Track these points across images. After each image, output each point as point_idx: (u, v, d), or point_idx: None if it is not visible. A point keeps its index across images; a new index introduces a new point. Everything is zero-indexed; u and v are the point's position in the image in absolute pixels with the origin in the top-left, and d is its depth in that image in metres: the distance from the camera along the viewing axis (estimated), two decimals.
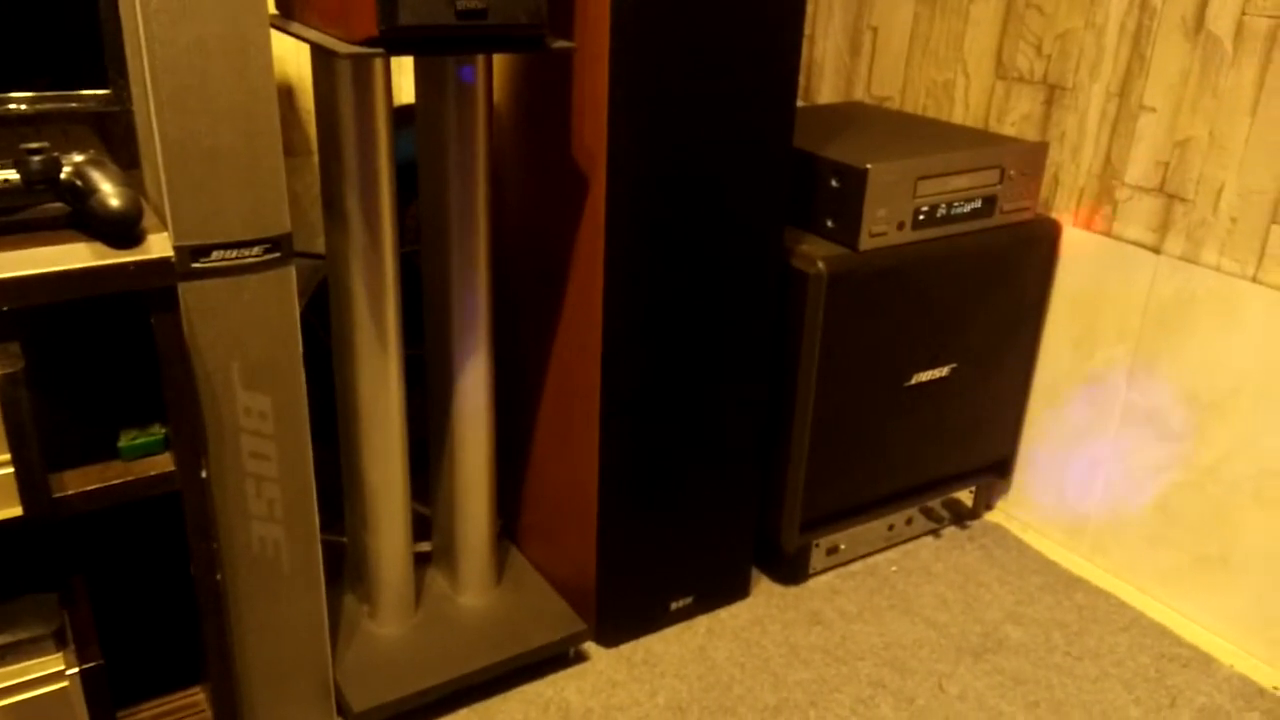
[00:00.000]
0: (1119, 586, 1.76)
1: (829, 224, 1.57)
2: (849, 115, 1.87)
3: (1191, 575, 1.66)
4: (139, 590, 1.36)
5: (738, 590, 1.68)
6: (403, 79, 1.79)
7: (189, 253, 1.05)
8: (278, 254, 1.10)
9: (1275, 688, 1.53)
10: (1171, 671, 1.56)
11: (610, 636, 1.57)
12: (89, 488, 1.03)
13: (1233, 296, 1.54)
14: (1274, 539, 1.54)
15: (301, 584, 1.24)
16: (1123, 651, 1.60)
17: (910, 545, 1.85)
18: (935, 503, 1.86)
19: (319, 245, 1.76)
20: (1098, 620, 1.67)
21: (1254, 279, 1.51)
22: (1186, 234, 1.59)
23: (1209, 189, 1.55)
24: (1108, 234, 1.69)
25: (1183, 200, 1.58)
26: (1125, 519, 1.75)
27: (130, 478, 1.05)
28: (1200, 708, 1.49)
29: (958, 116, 1.90)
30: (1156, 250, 1.63)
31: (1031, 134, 1.78)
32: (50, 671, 1.03)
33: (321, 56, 1.22)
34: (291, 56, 1.68)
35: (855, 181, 1.51)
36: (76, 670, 1.04)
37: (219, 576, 1.16)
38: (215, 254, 1.06)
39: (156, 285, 0.99)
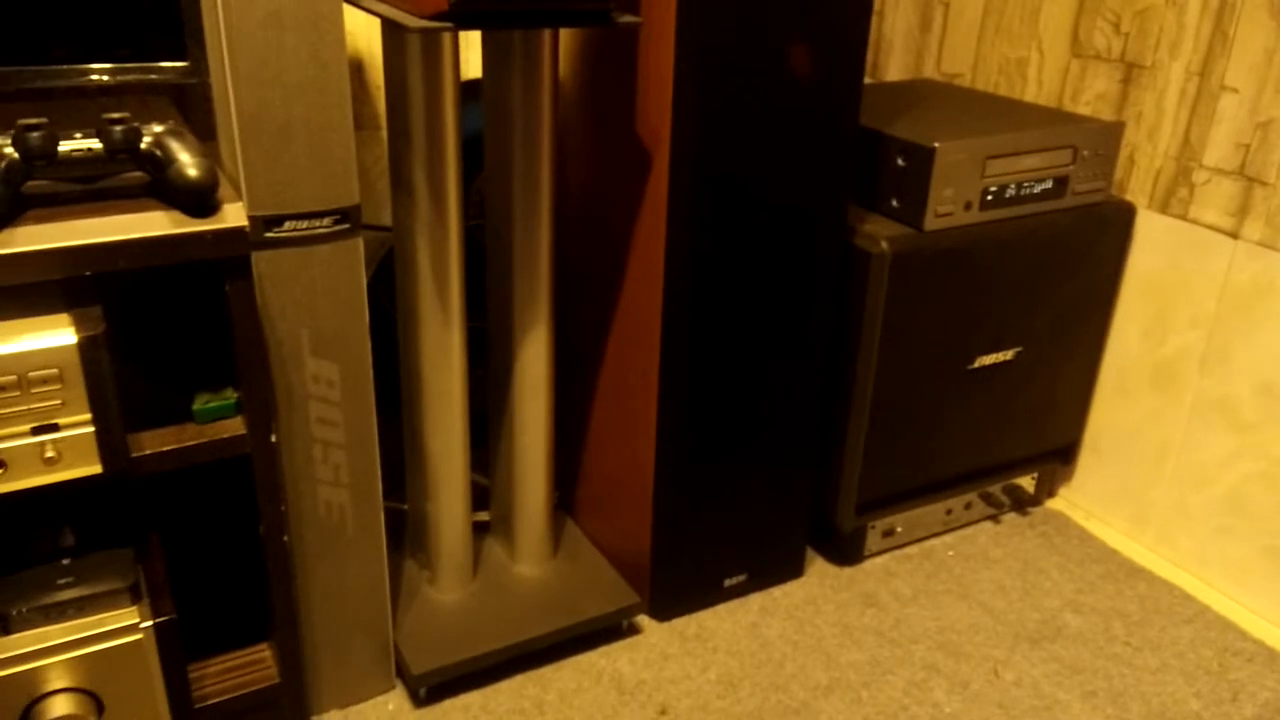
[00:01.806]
0: (1184, 578, 1.72)
1: (894, 203, 1.55)
2: (917, 93, 1.84)
3: (1260, 568, 1.62)
4: (210, 549, 1.41)
5: (792, 569, 1.68)
6: (470, 53, 1.80)
7: (262, 222, 1.08)
8: (347, 225, 1.12)
9: None
10: (1235, 666, 1.53)
11: (663, 610, 1.58)
12: (164, 449, 1.07)
13: None
14: None
15: (365, 548, 1.28)
16: (1185, 644, 1.57)
17: (968, 530, 1.83)
18: (995, 488, 1.83)
19: (386, 218, 1.79)
20: (1160, 611, 1.64)
21: None
22: (1266, 219, 1.54)
23: None
24: (1184, 218, 1.65)
25: (1263, 184, 1.53)
26: (1192, 509, 1.71)
27: (203, 440, 1.09)
28: (1264, 703, 1.46)
29: (1030, 95, 1.86)
30: (1234, 235, 1.58)
31: (1107, 113, 1.73)
32: (126, 624, 1.07)
33: (391, 31, 1.24)
34: (362, 31, 1.70)
35: (922, 160, 1.49)
36: (151, 623, 1.08)
37: (286, 538, 1.20)
38: (287, 224, 1.09)
39: (231, 254, 1.02)
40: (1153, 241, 1.69)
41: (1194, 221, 1.63)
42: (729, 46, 1.26)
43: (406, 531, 1.58)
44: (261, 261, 1.09)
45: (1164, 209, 1.67)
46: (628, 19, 1.19)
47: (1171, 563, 1.75)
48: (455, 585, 1.50)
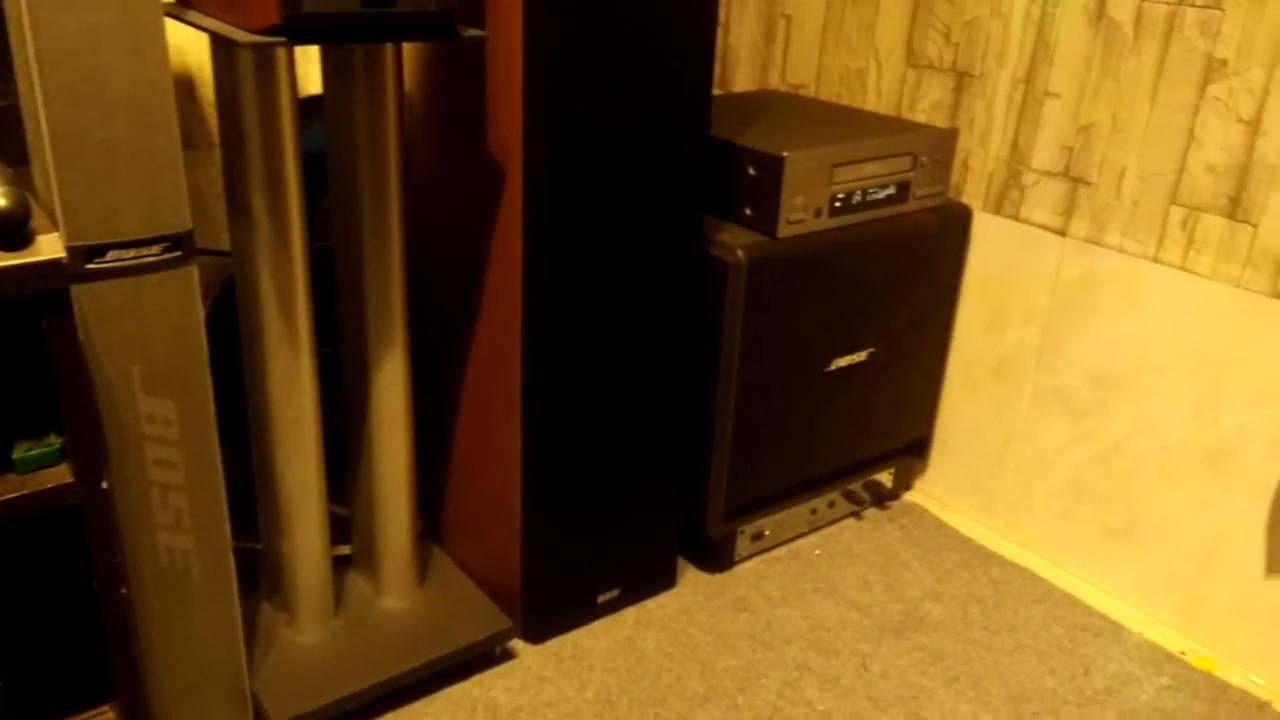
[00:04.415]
0: (1032, 560, 1.81)
1: (747, 212, 1.57)
2: (765, 103, 1.88)
3: (1100, 547, 1.72)
4: (41, 606, 1.30)
5: (664, 580, 1.68)
6: (310, 68, 1.73)
7: (82, 253, 1.00)
8: (178, 253, 1.05)
9: (1182, 653, 1.60)
10: (1084, 641, 1.61)
11: (537, 633, 1.55)
12: None
13: (1135, 277, 1.59)
14: (1177, 510, 1.60)
15: (213, 594, 1.20)
16: (1037, 624, 1.65)
17: (833, 528, 1.88)
18: (856, 485, 1.88)
19: (225, 242, 1.70)
20: (1013, 594, 1.72)
21: (1155, 259, 1.56)
22: (1091, 217, 1.63)
23: (1111, 172, 1.59)
24: (1016, 218, 1.73)
25: (1086, 184, 1.63)
26: (1035, 495, 1.80)
27: (25, 491, 1.00)
28: (1112, 675, 1.55)
29: (870, 104, 1.92)
30: (1062, 233, 1.68)
31: (942, 121, 1.81)
32: None
33: (221, 46, 1.17)
34: (192, 46, 1.61)
35: (772, 169, 1.52)
36: None
37: (124, 590, 1.11)
38: (111, 254, 1.01)
39: (48, 288, 0.94)
40: (989, 242, 1.77)
41: (1025, 221, 1.72)
42: (577, 59, 1.25)
43: (261, 572, 1.50)
44: (84, 295, 1.01)
45: (998, 210, 1.76)
46: (473, 33, 1.16)
47: (1020, 546, 1.84)
48: (316, 625, 1.43)
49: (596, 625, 1.60)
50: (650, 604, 1.65)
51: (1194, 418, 1.55)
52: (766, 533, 1.78)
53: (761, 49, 2.11)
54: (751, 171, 1.55)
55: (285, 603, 1.43)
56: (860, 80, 1.93)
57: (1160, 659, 1.58)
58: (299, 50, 1.70)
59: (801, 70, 2.03)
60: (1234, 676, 1.55)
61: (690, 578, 1.72)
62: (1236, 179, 1.46)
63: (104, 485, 1.04)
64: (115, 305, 1.03)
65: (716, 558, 1.74)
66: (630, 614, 1.63)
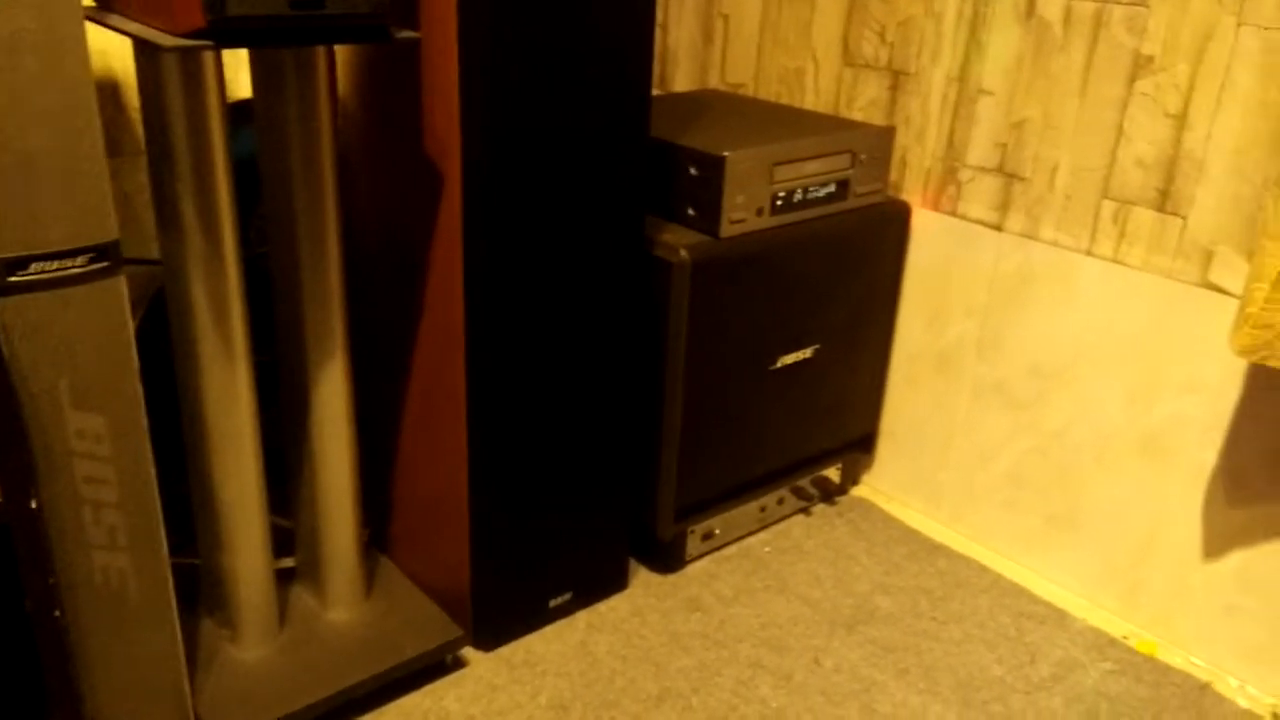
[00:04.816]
0: (978, 550, 1.83)
1: (690, 212, 1.58)
2: (705, 103, 1.88)
3: (1043, 536, 1.75)
4: None
5: (616, 582, 1.68)
6: (241, 72, 1.70)
7: (3, 266, 0.97)
8: (105, 263, 1.02)
9: (1125, 637, 1.63)
10: (1030, 629, 1.64)
11: (488, 640, 1.54)
12: None
13: (1069, 270, 1.62)
14: (1115, 498, 1.63)
15: (152, 613, 1.17)
16: (984, 613, 1.67)
17: (782, 525, 1.89)
18: (804, 481, 1.89)
19: (156, 250, 1.66)
20: (960, 584, 1.74)
21: (1088, 252, 1.60)
22: (1025, 211, 1.66)
23: (1044, 168, 1.62)
24: (953, 213, 1.76)
25: (1021, 179, 1.66)
26: (978, 486, 1.83)
27: None
28: (1058, 661, 1.57)
29: (809, 103, 1.93)
30: (998, 228, 1.70)
31: (879, 118, 1.83)
32: None
33: (145, 51, 1.15)
34: (116, 50, 1.57)
35: (714, 169, 1.52)
36: None
37: (58, 613, 1.08)
38: (34, 266, 0.98)
39: None
40: (928, 237, 1.80)
41: (963, 217, 1.75)
42: (515, 60, 1.24)
43: (202, 588, 1.46)
44: (6, 309, 0.98)
45: (935, 206, 1.78)
46: (406, 34, 1.15)
47: (966, 537, 1.87)
48: (260, 641, 1.40)
49: (549, 630, 1.59)
50: (602, 607, 1.65)
51: (1129, 406, 1.59)
52: (717, 531, 1.78)
53: (700, 49, 2.11)
54: (693, 171, 1.55)
55: (228, 619, 1.40)
56: (798, 79, 1.94)
57: (1104, 644, 1.61)
58: (229, 54, 1.67)
59: (740, 70, 2.04)
60: (1175, 659, 1.59)
61: (642, 579, 1.72)
62: (1165, 172, 1.49)
63: (33, 505, 1.01)
64: (40, 318, 1.00)
65: (667, 558, 1.74)
66: (582, 618, 1.62)
